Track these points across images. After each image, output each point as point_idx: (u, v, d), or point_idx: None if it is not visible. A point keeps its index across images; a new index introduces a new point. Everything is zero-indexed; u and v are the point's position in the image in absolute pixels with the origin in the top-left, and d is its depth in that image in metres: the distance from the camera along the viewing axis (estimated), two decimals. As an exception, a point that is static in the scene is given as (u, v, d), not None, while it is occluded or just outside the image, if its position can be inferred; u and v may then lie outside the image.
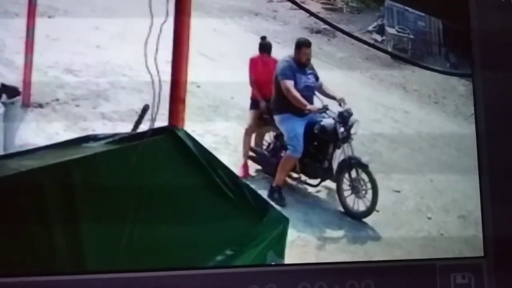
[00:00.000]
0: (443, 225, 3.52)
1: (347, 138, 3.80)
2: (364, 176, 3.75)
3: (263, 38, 4.01)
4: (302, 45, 3.83)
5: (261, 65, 3.95)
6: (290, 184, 3.86)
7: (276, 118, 3.85)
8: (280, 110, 3.82)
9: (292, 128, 3.79)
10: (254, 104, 3.97)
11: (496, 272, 2.88)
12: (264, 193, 3.54)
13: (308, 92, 3.84)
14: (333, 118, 3.81)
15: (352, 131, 3.80)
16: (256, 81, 3.94)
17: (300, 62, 3.80)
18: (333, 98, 3.87)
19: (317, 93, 3.90)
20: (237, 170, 3.71)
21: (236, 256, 2.70)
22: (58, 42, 3.80)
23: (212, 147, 3.35)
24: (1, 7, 3.69)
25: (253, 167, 3.95)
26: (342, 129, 3.79)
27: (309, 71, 3.85)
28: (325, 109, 3.83)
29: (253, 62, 3.94)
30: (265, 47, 3.96)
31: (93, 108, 3.74)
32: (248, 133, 3.93)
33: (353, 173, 3.77)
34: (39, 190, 2.40)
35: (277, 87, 3.83)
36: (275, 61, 3.93)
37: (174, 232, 2.64)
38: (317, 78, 3.90)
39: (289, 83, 3.76)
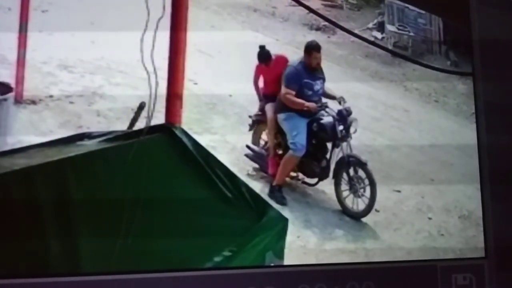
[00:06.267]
0: (444, 226, 3.49)
1: (346, 136, 3.76)
2: (362, 174, 3.71)
3: (262, 48, 3.79)
4: (312, 50, 3.71)
5: (266, 73, 3.83)
6: (289, 183, 3.82)
7: (280, 116, 3.79)
8: (284, 109, 3.77)
9: (295, 127, 3.74)
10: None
11: (497, 273, 2.87)
12: (263, 193, 3.50)
13: (317, 97, 3.77)
14: (332, 116, 3.77)
15: (351, 129, 3.76)
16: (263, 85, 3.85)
17: (310, 67, 3.72)
18: (333, 98, 3.82)
19: None
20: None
21: (234, 257, 2.65)
22: (52, 37, 3.74)
23: (210, 146, 3.31)
24: (-7, 1, 3.63)
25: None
26: (341, 127, 3.75)
27: (318, 76, 3.78)
28: (324, 106, 3.79)
29: (258, 70, 3.82)
30: (262, 56, 3.77)
31: (88, 105, 3.68)
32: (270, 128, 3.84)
33: (351, 171, 3.73)
34: (32, 189, 2.36)
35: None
36: (282, 62, 3.79)
37: (170, 233, 2.59)
38: (324, 82, 3.84)
39: (286, 91, 3.70)
